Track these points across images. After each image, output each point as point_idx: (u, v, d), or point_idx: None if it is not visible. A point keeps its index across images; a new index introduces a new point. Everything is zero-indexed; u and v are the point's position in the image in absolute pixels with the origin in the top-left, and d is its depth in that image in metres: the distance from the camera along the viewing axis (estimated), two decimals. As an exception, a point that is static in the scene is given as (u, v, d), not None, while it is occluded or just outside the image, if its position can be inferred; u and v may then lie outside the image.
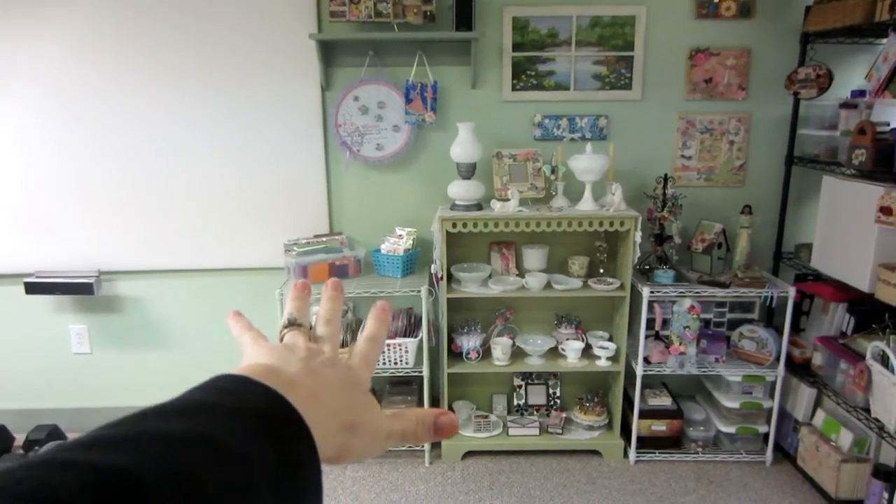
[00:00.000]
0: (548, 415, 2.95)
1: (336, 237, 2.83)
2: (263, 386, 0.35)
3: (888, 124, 2.29)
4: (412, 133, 2.80)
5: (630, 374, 2.76)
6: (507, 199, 2.63)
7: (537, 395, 2.99)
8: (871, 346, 2.26)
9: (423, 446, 2.80)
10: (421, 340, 2.71)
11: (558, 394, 2.99)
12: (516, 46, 2.75)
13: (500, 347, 2.75)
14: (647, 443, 2.80)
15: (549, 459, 2.81)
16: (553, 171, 2.70)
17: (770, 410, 2.72)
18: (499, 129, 2.82)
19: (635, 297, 2.68)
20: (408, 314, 2.89)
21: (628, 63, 2.76)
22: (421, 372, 2.74)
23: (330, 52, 2.75)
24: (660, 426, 2.78)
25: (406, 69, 2.75)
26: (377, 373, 2.58)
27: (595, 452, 2.85)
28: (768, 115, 2.81)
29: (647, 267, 2.76)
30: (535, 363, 2.79)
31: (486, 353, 2.83)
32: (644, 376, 2.70)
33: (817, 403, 2.67)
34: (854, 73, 2.70)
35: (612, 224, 2.59)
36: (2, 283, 2.98)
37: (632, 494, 2.59)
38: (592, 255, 2.84)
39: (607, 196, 2.65)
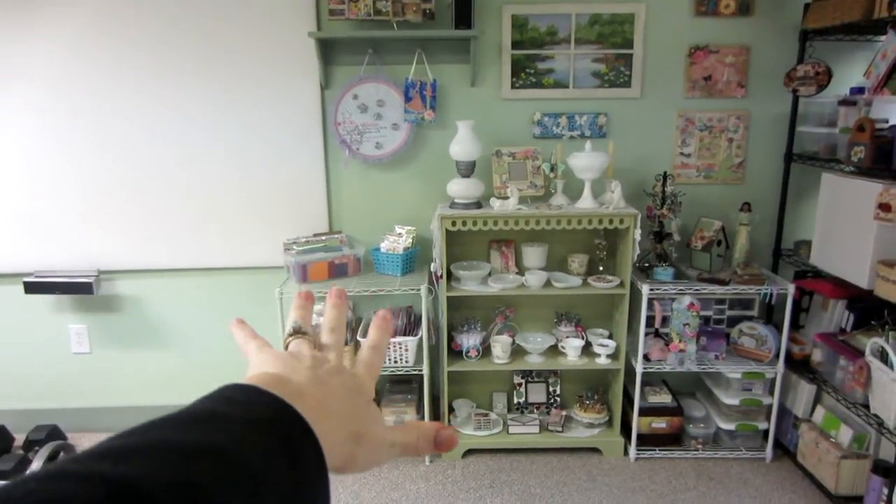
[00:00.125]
0: (548, 413, 2.95)
1: (335, 236, 2.83)
2: (272, 395, 0.35)
3: (887, 121, 2.29)
4: (411, 131, 2.80)
5: (630, 372, 2.76)
6: (507, 198, 2.63)
7: (537, 393, 3.00)
8: (870, 343, 2.26)
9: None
10: (421, 339, 2.72)
11: (558, 392, 2.99)
12: (515, 44, 2.75)
13: (500, 345, 2.75)
14: (647, 440, 2.80)
15: (549, 457, 2.81)
16: (552, 168, 2.70)
17: (770, 407, 2.72)
18: (498, 127, 2.82)
19: (635, 294, 2.68)
20: (407, 312, 2.89)
21: (627, 61, 2.76)
22: (421, 370, 2.74)
23: (329, 51, 2.74)
24: (660, 423, 2.79)
25: (405, 67, 2.75)
26: (377, 371, 2.57)
27: (595, 450, 2.85)
28: (767, 112, 2.81)
29: (647, 264, 2.77)
30: (535, 361, 2.79)
31: (485, 351, 2.83)
32: (644, 374, 2.71)
33: (817, 400, 2.68)
34: (853, 70, 2.71)
35: (611, 222, 2.59)
36: (1, 283, 2.98)
37: (632, 492, 2.60)
38: (592, 252, 2.84)
39: (607, 194, 2.65)
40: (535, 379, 3.00)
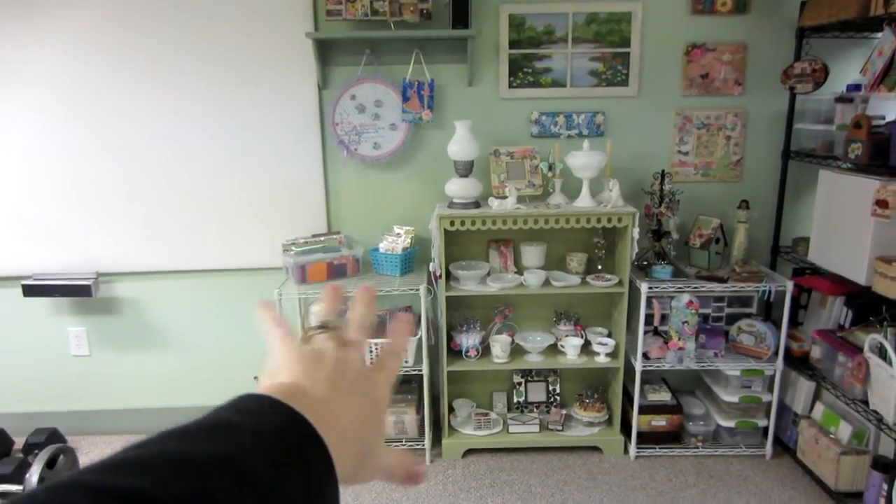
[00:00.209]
0: (548, 412, 2.95)
1: (334, 236, 2.83)
2: (286, 406, 0.35)
3: (884, 118, 2.30)
4: (409, 131, 2.80)
5: (629, 370, 2.77)
6: (505, 197, 2.63)
7: (537, 392, 3.00)
8: (868, 339, 2.27)
9: (423, 444, 2.80)
10: (420, 339, 2.72)
11: (558, 390, 2.99)
12: (513, 44, 2.75)
13: (500, 345, 2.76)
14: (647, 438, 2.80)
15: (549, 456, 2.82)
16: (550, 168, 2.70)
17: (769, 404, 2.73)
18: (496, 126, 2.82)
19: (634, 292, 2.68)
20: (407, 313, 2.89)
21: (625, 59, 2.77)
22: (420, 370, 2.74)
23: (326, 51, 2.75)
24: (659, 421, 2.79)
25: (403, 67, 2.75)
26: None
27: (595, 448, 2.85)
28: (764, 110, 2.82)
29: (645, 263, 2.77)
30: (534, 360, 2.79)
31: (485, 350, 2.83)
32: (643, 372, 2.71)
33: (816, 396, 2.68)
34: (849, 67, 2.71)
35: (609, 220, 2.60)
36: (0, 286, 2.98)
37: (632, 490, 2.60)
38: (590, 251, 2.84)
39: (605, 192, 2.66)
40: (535, 378, 3.00)
